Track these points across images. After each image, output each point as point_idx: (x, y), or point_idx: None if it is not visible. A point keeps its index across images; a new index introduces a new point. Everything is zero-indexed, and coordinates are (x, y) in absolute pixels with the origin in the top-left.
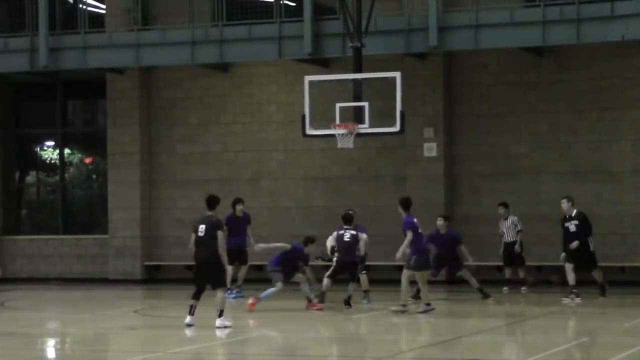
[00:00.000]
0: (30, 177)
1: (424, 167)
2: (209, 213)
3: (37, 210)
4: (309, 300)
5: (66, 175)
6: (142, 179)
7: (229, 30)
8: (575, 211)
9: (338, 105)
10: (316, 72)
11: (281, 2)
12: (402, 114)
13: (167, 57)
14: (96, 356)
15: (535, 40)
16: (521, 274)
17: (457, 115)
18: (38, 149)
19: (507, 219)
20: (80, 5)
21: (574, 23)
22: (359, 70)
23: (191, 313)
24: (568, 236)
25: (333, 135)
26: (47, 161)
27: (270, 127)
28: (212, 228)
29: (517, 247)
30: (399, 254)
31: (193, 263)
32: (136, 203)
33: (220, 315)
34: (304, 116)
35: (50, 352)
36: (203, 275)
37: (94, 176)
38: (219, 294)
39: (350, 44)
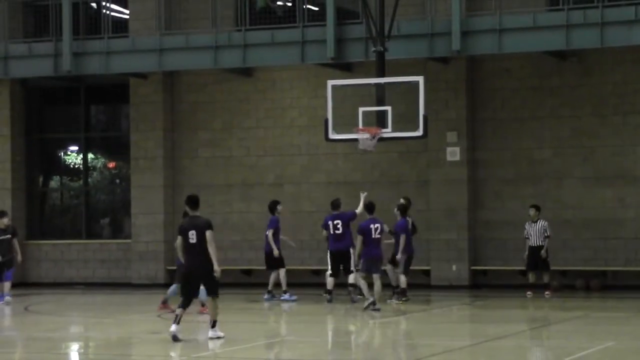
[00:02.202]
0: (54, 182)
1: (446, 172)
2: (194, 214)
3: (60, 215)
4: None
5: (90, 180)
6: (165, 183)
7: (252, 34)
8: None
9: (361, 109)
10: (339, 76)
11: (304, 6)
12: (425, 118)
13: (190, 61)
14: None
15: (559, 45)
16: (545, 278)
17: (480, 120)
18: (62, 153)
19: (536, 222)
20: (104, 11)
21: (597, 27)
22: (381, 74)
23: (176, 322)
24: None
25: (356, 140)
26: (71, 166)
27: (293, 131)
28: (202, 229)
29: (543, 252)
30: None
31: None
32: (159, 207)
33: (213, 325)
34: (326, 120)
35: (74, 356)
36: (194, 284)
37: (117, 181)
38: (212, 302)
39: (373, 48)
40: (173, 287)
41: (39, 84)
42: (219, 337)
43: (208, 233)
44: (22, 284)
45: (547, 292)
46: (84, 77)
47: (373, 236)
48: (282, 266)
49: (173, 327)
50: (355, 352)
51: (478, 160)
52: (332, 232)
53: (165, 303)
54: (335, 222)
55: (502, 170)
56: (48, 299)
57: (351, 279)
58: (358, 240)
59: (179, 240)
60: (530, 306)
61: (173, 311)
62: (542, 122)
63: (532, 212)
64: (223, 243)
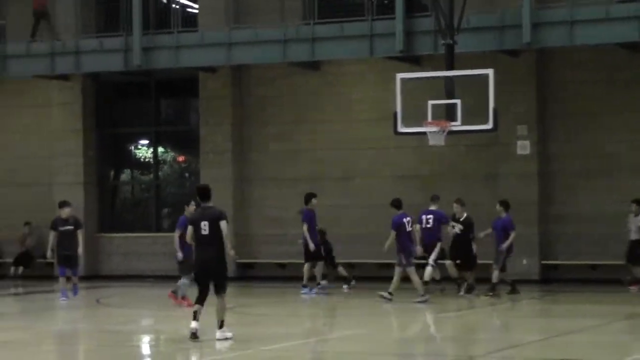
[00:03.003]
0: (125, 176)
1: (516, 165)
2: (207, 205)
3: (131, 209)
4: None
5: (160, 173)
6: (234, 177)
7: (320, 28)
8: (464, 215)
9: (430, 102)
10: (407, 69)
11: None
12: (495, 111)
13: (258, 55)
14: (188, 354)
15: (632, 36)
16: (637, 273)
17: (551, 113)
18: (132, 147)
19: (637, 216)
20: (173, 5)
21: None
22: (451, 67)
23: (196, 319)
24: (455, 238)
25: (424, 133)
26: (141, 160)
27: (361, 125)
28: (216, 221)
29: None
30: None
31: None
32: (228, 201)
33: (220, 326)
34: (395, 114)
35: (144, 349)
36: (207, 277)
37: (187, 174)
38: (221, 301)
39: (443, 41)
40: (183, 281)
41: (109, 79)
42: (226, 338)
43: (223, 223)
44: (94, 277)
45: (632, 287)
46: (154, 71)
47: (407, 229)
48: (320, 259)
49: (193, 324)
50: (422, 345)
51: (549, 154)
52: (423, 225)
53: (181, 298)
54: (428, 217)
55: (573, 163)
56: (118, 292)
57: (428, 274)
58: (392, 235)
59: (190, 231)
60: (608, 301)
61: (190, 305)
62: (614, 115)
63: (634, 207)
64: (290, 237)
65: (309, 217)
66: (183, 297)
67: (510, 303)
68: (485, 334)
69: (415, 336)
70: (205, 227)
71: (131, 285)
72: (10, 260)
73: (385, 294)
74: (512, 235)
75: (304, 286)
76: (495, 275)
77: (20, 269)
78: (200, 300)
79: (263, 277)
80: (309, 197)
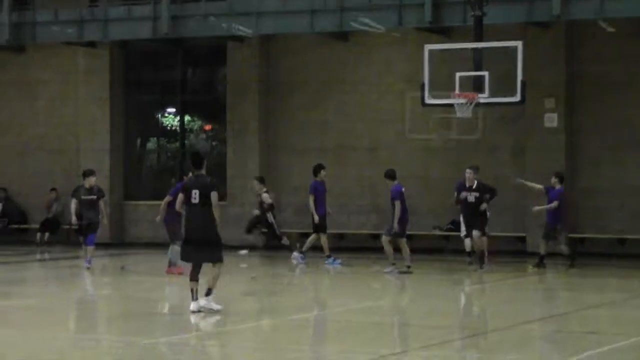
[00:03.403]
0: (151, 144)
1: (544, 138)
2: (199, 172)
3: (157, 176)
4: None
5: (186, 142)
6: (260, 146)
7: None
8: (476, 182)
9: (458, 74)
10: (436, 40)
11: None
12: (524, 83)
13: (286, 25)
14: (213, 320)
15: None
16: None
17: (579, 86)
18: (159, 115)
19: None
20: None
21: None
22: (479, 39)
23: (194, 298)
24: (467, 206)
25: (452, 105)
26: (168, 128)
27: (388, 96)
28: (207, 189)
29: None
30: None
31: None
32: (254, 170)
33: (208, 294)
34: (423, 85)
35: (168, 316)
36: (197, 249)
37: (214, 143)
38: (215, 270)
39: (472, 13)
40: (174, 248)
41: (137, 47)
42: (212, 310)
43: (213, 194)
44: (119, 244)
45: None
46: (182, 39)
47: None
48: (323, 231)
49: (193, 305)
50: (449, 317)
51: (576, 127)
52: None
53: (174, 266)
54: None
55: (601, 137)
56: (144, 259)
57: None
58: (397, 206)
59: (180, 198)
60: (636, 276)
61: (180, 273)
62: None
63: None
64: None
65: (315, 189)
66: (175, 264)
67: (535, 276)
68: (510, 305)
69: (436, 308)
70: (195, 195)
71: (156, 253)
72: (36, 226)
73: (404, 269)
74: (553, 205)
75: (328, 256)
76: (564, 249)
77: (47, 235)
78: (194, 276)
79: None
80: (317, 168)
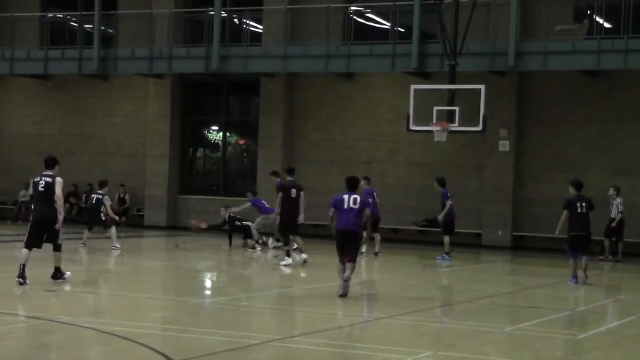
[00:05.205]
0: (200, 153)
1: (498, 159)
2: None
3: (203, 177)
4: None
5: (226, 152)
6: (283, 158)
7: (354, 47)
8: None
9: (435, 108)
10: (419, 82)
11: (395, 28)
12: (485, 117)
13: (307, 66)
14: (245, 286)
15: (591, 65)
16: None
17: (526, 120)
18: (206, 131)
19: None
20: (244, 25)
21: (622, 53)
22: (452, 82)
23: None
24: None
25: (431, 131)
26: (212, 141)
27: (382, 122)
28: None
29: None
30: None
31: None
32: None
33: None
34: (408, 115)
35: (213, 281)
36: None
37: (246, 154)
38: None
39: (447, 62)
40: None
41: (193, 79)
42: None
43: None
44: (174, 227)
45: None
46: (227, 74)
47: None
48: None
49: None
50: (415, 292)
51: (523, 152)
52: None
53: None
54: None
55: (541, 160)
56: (192, 240)
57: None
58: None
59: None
60: (562, 265)
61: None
62: (574, 124)
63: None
64: (324, 205)
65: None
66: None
67: (488, 264)
68: (469, 285)
69: (409, 285)
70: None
71: (201, 235)
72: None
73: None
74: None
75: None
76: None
77: (123, 218)
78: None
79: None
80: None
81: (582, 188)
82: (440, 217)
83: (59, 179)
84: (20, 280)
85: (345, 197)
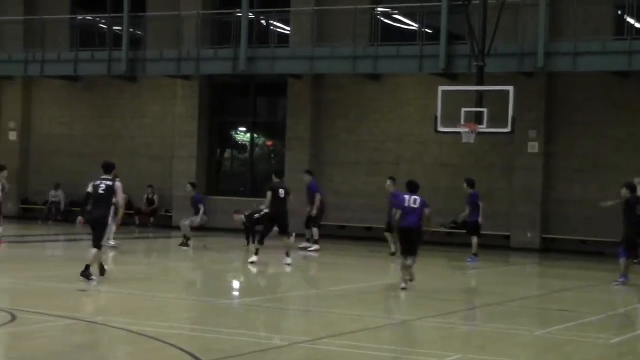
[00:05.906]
0: (227, 154)
1: (527, 161)
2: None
3: (231, 179)
4: None
5: (254, 153)
6: (310, 159)
7: (382, 49)
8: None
9: (463, 110)
10: (447, 83)
11: (423, 29)
12: (514, 118)
13: (334, 67)
14: (263, 287)
15: (622, 66)
16: None
17: (556, 122)
18: (234, 132)
19: None
20: (271, 27)
21: None
22: (480, 83)
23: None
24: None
25: (458, 133)
26: (240, 143)
27: (409, 124)
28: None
29: None
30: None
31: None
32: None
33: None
34: (436, 117)
35: (235, 282)
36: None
37: (273, 155)
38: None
39: (475, 63)
40: None
41: (220, 80)
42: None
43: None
44: (202, 229)
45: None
46: (254, 75)
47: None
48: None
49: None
50: (443, 295)
51: (552, 153)
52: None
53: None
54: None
55: (570, 161)
56: (220, 240)
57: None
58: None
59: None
60: (594, 268)
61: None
62: (604, 125)
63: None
64: (351, 207)
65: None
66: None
67: (516, 266)
68: (496, 287)
69: (438, 288)
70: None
71: (230, 236)
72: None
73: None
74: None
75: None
76: None
77: (152, 219)
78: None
79: (328, 235)
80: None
81: (636, 190)
82: (480, 219)
83: (119, 184)
84: (91, 277)
85: (407, 197)
